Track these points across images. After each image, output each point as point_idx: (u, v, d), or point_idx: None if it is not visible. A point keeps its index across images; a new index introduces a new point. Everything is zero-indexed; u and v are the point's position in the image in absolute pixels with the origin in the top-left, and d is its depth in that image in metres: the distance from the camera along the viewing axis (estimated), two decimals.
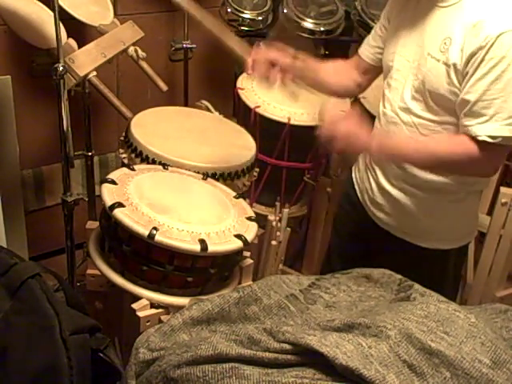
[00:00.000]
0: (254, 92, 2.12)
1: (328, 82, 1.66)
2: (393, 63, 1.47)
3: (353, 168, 1.73)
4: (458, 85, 1.32)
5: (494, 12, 1.26)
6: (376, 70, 1.62)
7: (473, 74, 1.27)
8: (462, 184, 1.46)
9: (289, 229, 1.86)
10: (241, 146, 1.84)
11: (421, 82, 1.38)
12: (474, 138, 1.30)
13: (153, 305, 1.38)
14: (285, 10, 2.33)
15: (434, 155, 1.36)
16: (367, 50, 1.62)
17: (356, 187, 1.67)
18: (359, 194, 1.65)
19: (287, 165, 2.08)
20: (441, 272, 1.58)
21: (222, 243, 1.38)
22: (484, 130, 1.28)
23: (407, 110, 1.43)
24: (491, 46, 1.24)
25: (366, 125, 1.41)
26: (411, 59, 1.41)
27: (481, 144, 1.29)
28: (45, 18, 1.67)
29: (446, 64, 1.32)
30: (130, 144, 1.73)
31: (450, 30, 1.32)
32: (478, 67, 1.26)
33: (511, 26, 1.24)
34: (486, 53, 1.25)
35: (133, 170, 1.55)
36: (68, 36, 1.74)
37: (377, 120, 1.57)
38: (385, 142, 1.43)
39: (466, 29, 1.28)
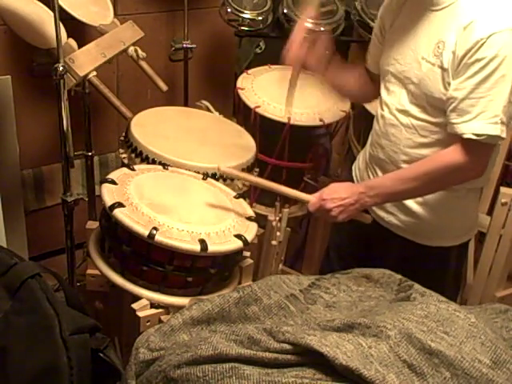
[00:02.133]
0: (253, 92, 2.12)
1: (352, 85, 1.68)
2: (389, 67, 1.48)
3: (353, 166, 1.73)
4: None
5: (485, 13, 1.27)
6: None
7: (464, 73, 1.29)
8: None
9: (289, 229, 1.86)
10: (241, 146, 1.84)
11: (417, 86, 1.39)
12: (458, 138, 1.31)
13: (153, 305, 1.38)
14: (285, 10, 2.33)
15: (420, 177, 1.38)
16: (371, 62, 1.62)
17: None
18: None
19: (287, 165, 2.08)
20: (442, 270, 1.58)
21: (222, 243, 1.38)
22: (469, 128, 1.29)
23: (406, 113, 1.44)
24: (482, 45, 1.25)
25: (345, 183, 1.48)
26: (405, 63, 1.42)
27: (467, 143, 1.31)
28: (45, 18, 1.68)
29: (442, 68, 1.33)
30: (130, 144, 1.73)
31: (442, 33, 1.33)
32: (469, 67, 1.27)
33: (502, 26, 1.25)
34: (476, 52, 1.26)
35: (133, 170, 1.55)
36: (68, 36, 1.74)
37: (375, 122, 1.57)
38: (367, 185, 1.46)
39: (458, 31, 1.29)
